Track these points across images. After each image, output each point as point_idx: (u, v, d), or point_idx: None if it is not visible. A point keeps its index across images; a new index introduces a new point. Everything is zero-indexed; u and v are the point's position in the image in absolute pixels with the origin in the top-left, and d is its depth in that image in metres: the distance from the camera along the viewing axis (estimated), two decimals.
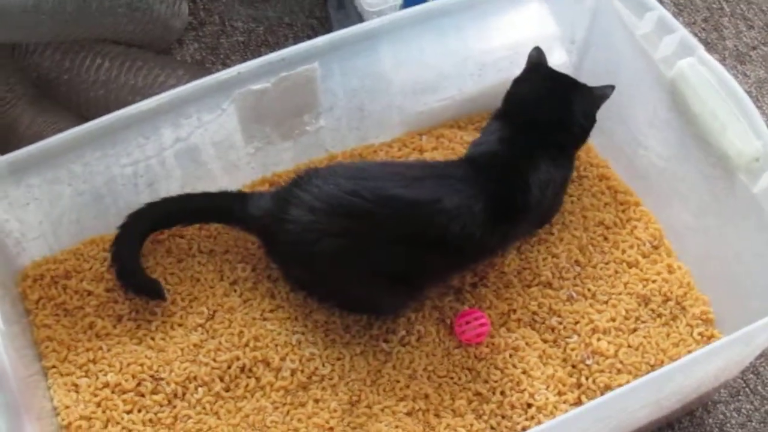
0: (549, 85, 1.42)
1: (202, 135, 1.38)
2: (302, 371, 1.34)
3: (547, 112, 1.40)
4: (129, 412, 1.31)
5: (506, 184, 1.35)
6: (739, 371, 1.47)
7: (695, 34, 1.84)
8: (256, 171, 1.48)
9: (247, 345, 1.35)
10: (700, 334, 1.38)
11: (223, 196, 1.41)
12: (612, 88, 1.41)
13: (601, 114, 1.44)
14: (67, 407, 1.30)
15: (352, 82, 1.44)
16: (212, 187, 1.43)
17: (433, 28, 1.43)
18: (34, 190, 1.34)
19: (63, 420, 1.29)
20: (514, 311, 1.40)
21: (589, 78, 1.48)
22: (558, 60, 1.52)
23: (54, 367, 1.34)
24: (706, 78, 1.31)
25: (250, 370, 1.34)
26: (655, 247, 1.45)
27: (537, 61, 1.44)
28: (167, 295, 1.38)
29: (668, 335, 1.38)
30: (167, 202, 1.39)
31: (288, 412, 1.32)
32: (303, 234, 1.31)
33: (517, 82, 1.44)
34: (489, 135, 1.42)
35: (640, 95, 1.43)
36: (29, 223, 1.37)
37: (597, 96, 1.41)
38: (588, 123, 1.42)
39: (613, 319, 1.38)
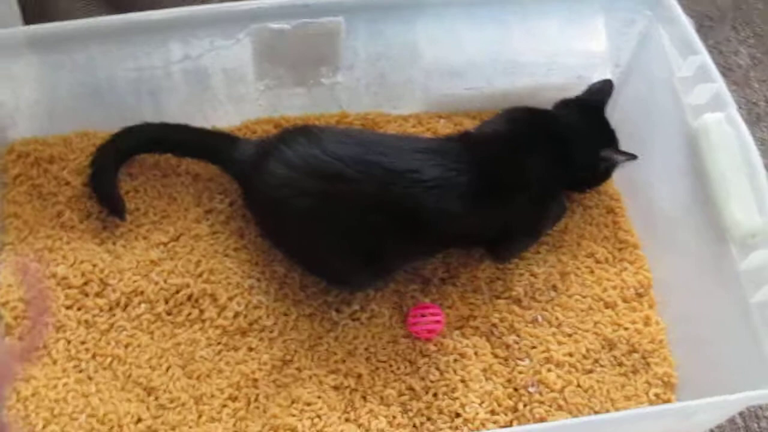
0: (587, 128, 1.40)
1: (212, 59, 1.36)
2: (245, 316, 1.32)
3: (571, 150, 1.38)
4: (68, 308, 1.31)
5: (501, 163, 1.32)
6: None
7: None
8: (264, 109, 1.46)
9: (200, 276, 1.34)
10: (656, 395, 1.32)
11: (214, 135, 1.41)
12: (635, 157, 1.37)
13: (624, 144, 1.40)
14: (9, 286, 1.31)
15: (377, 47, 1.40)
16: (216, 112, 1.43)
17: (473, 15, 1.39)
18: (35, 69, 1.34)
19: (1, 297, 1.30)
20: (474, 318, 1.35)
21: (624, 106, 1.45)
22: (601, 79, 1.46)
23: (11, 243, 1.35)
24: (727, 138, 1.24)
25: (197, 301, 1.33)
26: (639, 295, 1.40)
27: (595, 94, 1.42)
28: (127, 216, 1.37)
29: (623, 386, 1.32)
30: (161, 127, 1.39)
31: (219, 351, 1.30)
32: (278, 188, 1.29)
33: (564, 104, 1.42)
34: (499, 118, 1.39)
35: (664, 137, 1.37)
36: (25, 100, 1.38)
37: (618, 159, 1.39)
38: (596, 180, 1.43)
39: (571, 355, 1.33)
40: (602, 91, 1.43)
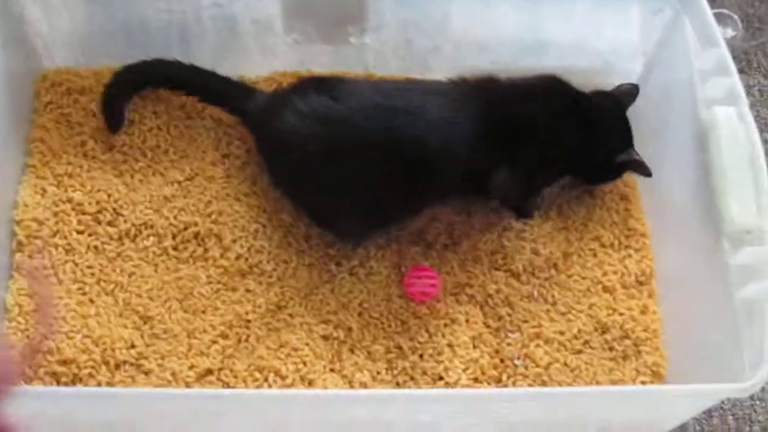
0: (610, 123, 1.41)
1: (241, 9, 1.41)
2: (246, 259, 1.36)
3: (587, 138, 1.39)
4: (80, 233, 1.37)
5: (509, 107, 1.33)
6: None
7: None
8: (292, 63, 1.49)
9: (209, 216, 1.39)
10: (643, 383, 1.33)
11: (232, 84, 1.44)
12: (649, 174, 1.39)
13: (644, 134, 1.41)
14: (26, 206, 1.37)
15: (404, 12, 1.43)
16: (245, 61, 1.48)
17: None
18: (71, 3, 1.39)
19: (17, 215, 1.36)
20: (471, 286, 1.37)
21: (647, 94, 1.45)
22: (627, 66, 1.48)
23: (34, 166, 1.40)
24: (734, 134, 1.23)
25: (202, 240, 1.37)
26: (640, 283, 1.40)
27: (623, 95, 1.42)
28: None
29: (610, 371, 1.33)
30: (183, 67, 1.43)
31: (217, 290, 1.35)
32: (287, 135, 1.32)
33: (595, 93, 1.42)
34: (530, 79, 1.39)
35: (680, 129, 1.37)
36: (60, 32, 1.44)
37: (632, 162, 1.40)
38: (602, 176, 1.44)
39: (562, 333, 1.34)
40: (629, 94, 1.43)
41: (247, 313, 1.32)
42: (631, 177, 1.48)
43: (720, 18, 1.74)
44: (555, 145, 1.36)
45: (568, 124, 1.36)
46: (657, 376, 1.34)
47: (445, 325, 1.34)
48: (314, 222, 1.39)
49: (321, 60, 1.49)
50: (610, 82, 1.46)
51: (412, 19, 1.44)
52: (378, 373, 1.31)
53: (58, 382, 1.26)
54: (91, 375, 1.27)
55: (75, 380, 1.27)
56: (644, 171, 1.40)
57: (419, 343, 1.33)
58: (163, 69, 1.42)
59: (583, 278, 1.39)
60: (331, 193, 1.34)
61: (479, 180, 1.34)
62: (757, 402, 1.48)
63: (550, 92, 1.38)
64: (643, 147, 1.45)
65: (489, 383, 1.31)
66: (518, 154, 1.33)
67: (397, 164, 1.29)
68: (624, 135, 1.42)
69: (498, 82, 1.37)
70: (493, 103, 1.32)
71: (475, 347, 1.33)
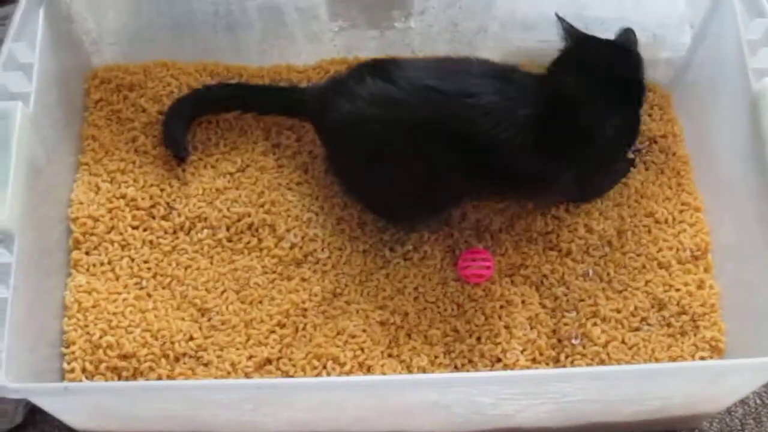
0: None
1: None
2: (301, 248, 1.37)
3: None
4: (135, 228, 1.38)
5: (570, 104, 1.31)
6: (722, 409, 1.39)
7: None
8: (339, 50, 1.50)
9: (262, 206, 1.39)
10: (702, 358, 1.32)
11: (283, 91, 1.46)
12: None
13: (695, 106, 1.40)
14: (81, 203, 1.38)
15: None
16: (292, 50, 1.49)
17: None
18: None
19: (72, 213, 1.37)
20: (526, 267, 1.37)
21: (697, 67, 1.45)
22: (675, 39, 1.47)
23: (87, 164, 1.42)
24: None
25: (257, 230, 1.38)
26: (696, 258, 1.39)
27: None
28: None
29: (669, 347, 1.32)
30: (232, 88, 1.46)
31: (273, 280, 1.35)
32: (344, 120, 1.33)
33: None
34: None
35: (730, 101, 1.34)
36: (107, 29, 1.45)
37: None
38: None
39: (618, 311, 1.34)
40: (631, 40, 1.39)
41: (303, 302, 1.33)
42: (683, 150, 1.47)
43: None
44: (618, 134, 1.35)
45: (625, 110, 1.35)
46: (716, 351, 1.33)
47: (501, 306, 1.34)
48: (369, 208, 1.39)
49: (367, 45, 1.49)
50: (659, 56, 1.45)
51: (456, 1, 1.43)
52: (436, 357, 1.31)
53: (119, 377, 1.28)
54: (151, 368, 1.28)
55: (136, 374, 1.28)
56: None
57: (476, 325, 1.33)
58: (212, 96, 1.45)
59: (638, 255, 1.38)
60: (387, 177, 1.34)
61: (536, 174, 1.32)
62: None
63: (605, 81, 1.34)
64: (694, 119, 1.44)
65: (547, 363, 1.31)
66: (578, 155, 1.33)
67: (450, 148, 1.28)
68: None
69: (555, 77, 1.35)
70: (551, 100, 1.31)
71: (532, 328, 1.33)
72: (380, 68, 1.33)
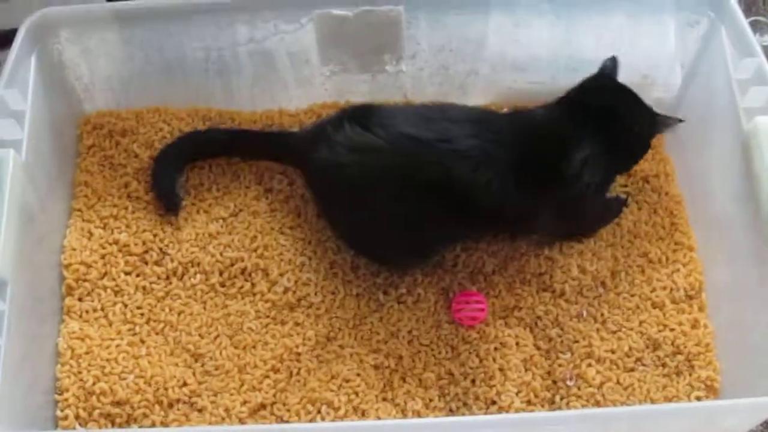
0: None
1: (277, 43, 1.41)
2: (294, 292, 1.36)
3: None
4: (128, 274, 1.38)
5: (544, 142, 1.31)
6: None
7: None
8: (331, 94, 1.50)
9: (255, 251, 1.39)
10: (698, 398, 1.31)
11: (271, 136, 1.47)
12: (678, 121, 1.34)
13: (687, 146, 1.40)
14: (73, 249, 1.38)
15: (439, 38, 1.43)
16: (284, 95, 1.49)
17: (538, 9, 1.40)
18: (109, 45, 1.41)
19: (65, 259, 1.37)
20: (519, 309, 1.37)
21: (687, 107, 1.45)
22: (666, 79, 1.48)
23: (79, 210, 1.42)
24: None
25: (250, 275, 1.38)
26: (690, 297, 1.38)
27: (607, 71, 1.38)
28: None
29: (664, 387, 1.32)
30: (219, 133, 1.47)
31: (267, 324, 1.35)
32: (324, 168, 1.33)
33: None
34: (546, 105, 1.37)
35: (722, 140, 1.36)
36: (99, 75, 1.46)
37: (658, 122, 1.35)
38: (638, 147, 1.38)
39: (613, 351, 1.33)
40: (613, 67, 1.38)
41: (297, 346, 1.32)
42: (676, 189, 1.47)
43: (757, 25, 1.72)
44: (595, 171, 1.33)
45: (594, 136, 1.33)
46: (711, 391, 1.32)
47: (495, 348, 1.33)
48: (359, 252, 1.39)
49: (359, 89, 1.49)
50: (650, 95, 1.46)
51: (447, 44, 1.44)
52: (431, 400, 1.30)
53: (113, 424, 1.27)
54: (145, 415, 1.28)
55: (129, 421, 1.27)
56: (672, 121, 1.35)
57: (470, 368, 1.32)
58: (202, 140, 1.46)
59: (632, 295, 1.38)
60: (370, 223, 1.34)
61: (518, 212, 1.32)
62: None
63: (579, 115, 1.34)
64: (686, 159, 1.44)
65: (542, 405, 1.30)
66: (554, 193, 1.32)
67: (429, 193, 1.28)
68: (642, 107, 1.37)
69: (529, 114, 1.36)
70: (525, 136, 1.31)
71: (526, 370, 1.32)
72: (359, 115, 1.33)
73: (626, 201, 1.45)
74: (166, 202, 1.42)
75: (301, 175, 1.43)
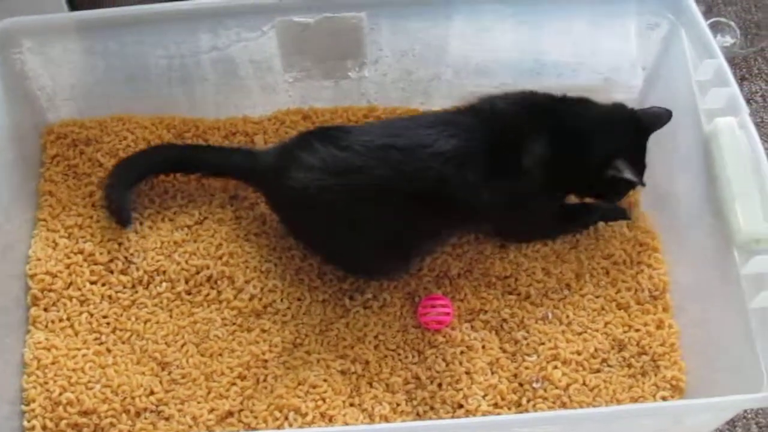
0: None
1: (240, 50, 1.42)
2: (260, 299, 1.37)
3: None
4: (93, 283, 1.38)
5: (508, 137, 1.32)
6: None
7: None
8: (294, 100, 1.51)
9: (220, 258, 1.39)
10: (663, 398, 1.32)
11: (231, 152, 1.45)
12: (642, 183, 1.34)
13: (649, 148, 1.39)
14: (38, 259, 1.38)
15: (401, 44, 1.44)
16: (247, 102, 1.50)
17: (501, 13, 1.41)
18: (72, 55, 1.41)
19: (30, 270, 1.37)
20: (485, 312, 1.37)
21: None
22: (627, 82, 1.49)
23: (44, 220, 1.42)
24: (737, 143, 1.24)
25: (215, 282, 1.38)
26: (654, 298, 1.39)
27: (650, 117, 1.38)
28: (133, 220, 1.42)
29: (630, 387, 1.33)
30: (178, 149, 1.46)
31: (233, 332, 1.35)
32: (301, 191, 1.32)
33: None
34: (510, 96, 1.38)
35: (683, 141, 1.37)
36: (62, 84, 1.46)
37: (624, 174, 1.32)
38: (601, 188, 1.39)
39: (579, 353, 1.34)
40: (659, 117, 1.38)
41: (263, 353, 1.33)
42: (639, 191, 1.48)
43: (717, 26, 1.75)
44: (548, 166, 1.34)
45: (556, 140, 1.34)
46: (677, 390, 1.33)
47: (462, 352, 1.34)
48: (341, 269, 1.39)
49: (322, 95, 1.50)
50: (612, 98, 1.46)
51: (410, 50, 1.45)
52: (398, 404, 1.31)
53: None
54: (112, 424, 1.28)
55: (96, 430, 1.28)
56: (637, 181, 1.34)
57: (437, 372, 1.32)
58: (158, 156, 1.44)
59: (597, 297, 1.39)
60: (351, 239, 1.34)
61: (493, 207, 1.34)
62: None
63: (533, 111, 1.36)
64: (649, 159, 1.45)
65: (509, 408, 1.31)
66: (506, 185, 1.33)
67: (416, 199, 1.29)
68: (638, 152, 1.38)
69: (493, 107, 1.36)
70: (490, 130, 1.32)
71: (493, 373, 1.33)
72: (329, 136, 1.33)
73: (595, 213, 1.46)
74: (117, 218, 1.41)
75: (265, 197, 1.42)
